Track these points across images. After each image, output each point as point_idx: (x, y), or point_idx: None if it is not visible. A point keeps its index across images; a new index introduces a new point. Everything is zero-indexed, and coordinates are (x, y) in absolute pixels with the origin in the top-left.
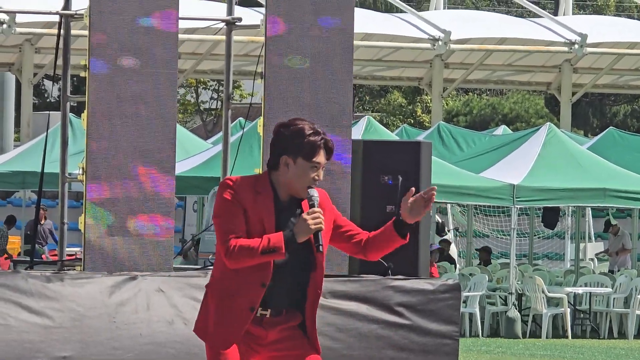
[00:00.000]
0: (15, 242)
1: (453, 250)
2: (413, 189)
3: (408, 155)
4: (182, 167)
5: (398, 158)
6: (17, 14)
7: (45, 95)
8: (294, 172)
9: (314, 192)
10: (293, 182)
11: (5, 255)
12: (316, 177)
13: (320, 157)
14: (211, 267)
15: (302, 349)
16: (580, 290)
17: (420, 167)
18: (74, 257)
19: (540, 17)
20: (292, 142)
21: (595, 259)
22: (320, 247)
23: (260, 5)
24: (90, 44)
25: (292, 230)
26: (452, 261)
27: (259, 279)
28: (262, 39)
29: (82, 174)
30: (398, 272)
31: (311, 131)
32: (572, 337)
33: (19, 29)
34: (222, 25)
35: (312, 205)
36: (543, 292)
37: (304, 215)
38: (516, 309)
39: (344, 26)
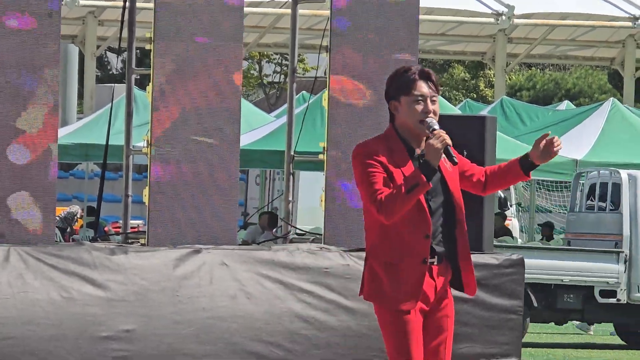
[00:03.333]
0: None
1: (515, 226)
2: (549, 132)
3: (473, 130)
4: (244, 140)
5: (463, 132)
6: None
7: (108, 68)
8: (403, 113)
9: (431, 119)
10: (408, 123)
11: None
12: (426, 110)
13: (420, 88)
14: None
15: (450, 310)
16: None
17: (485, 141)
18: (136, 229)
19: None
20: (392, 86)
21: None
22: (454, 158)
23: None
24: (156, 16)
25: (425, 159)
26: (512, 236)
27: (421, 232)
28: (326, 12)
29: (147, 147)
30: None
31: (404, 69)
32: None
33: (82, 2)
34: None
35: (432, 130)
36: None
37: (428, 141)
38: None
39: (409, 0)
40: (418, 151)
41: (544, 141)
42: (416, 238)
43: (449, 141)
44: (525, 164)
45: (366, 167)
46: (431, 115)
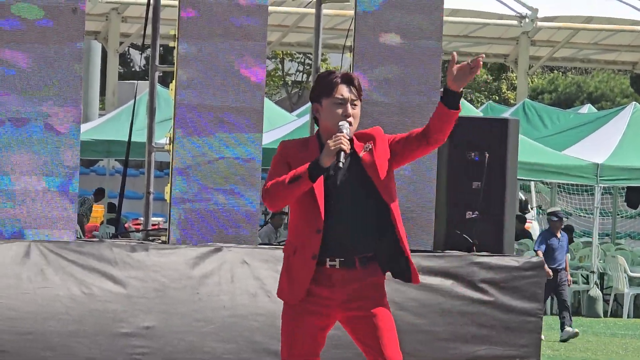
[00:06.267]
0: (98, 211)
1: (535, 228)
2: (454, 53)
3: (495, 132)
4: (266, 139)
5: (485, 134)
6: None
7: (131, 65)
8: (324, 115)
9: (343, 123)
10: (328, 126)
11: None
12: (345, 113)
13: (342, 91)
14: None
15: (372, 308)
16: None
17: (507, 144)
18: (156, 226)
19: None
20: (315, 89)
21: None
22: (340, 163)
23: None
24: (180, 14)
25: (317, 158)
26: (532, 239)
27: (313, 226)
28: (349, 12)
29: (169, 144)
30: (483, 249)
31: (328, 72)
32: None
33: None
34: None
35: (338, 132)
36: (625, 271)
37: (327, 141)
38: (598, 287)
39: (433, 2)
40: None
41: (456, 66)
42: (307, 232)
43: (345, 147)
44: (447, 99)
45: (274, 164)
46: (350, 119)
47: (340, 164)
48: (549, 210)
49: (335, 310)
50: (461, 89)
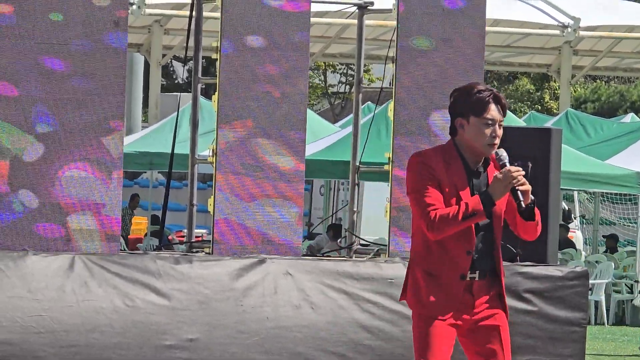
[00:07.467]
0: (141, 223)
1: (579, 238)
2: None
3: (538, 142)
4: (309, 150)
5: (528, 144)
6: None
7: (174, 77)
8: (470, 132)
9: (503, 152)
10: (472, 143)
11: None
12: (494, 134)
13: (492, 112)
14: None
15: (499, 320)
16: None
17: (550, 154)
18: (200, 239)
19: None
20: (462, 102)
21: None
22: (522, 202)
23: None
24: (222, 26)
25: (487, 191)
26: (575, 248)
27: (464, 248)
28: (392, 23)
29: (212, 156)
30: (526, 259)
31: (479, 88)
32: None
33: (148, 10)
34: (353, 9)
35: (503, 165)
36: None
37: (497, 175)
38: None
39: (475, 12)
40: (473, 162)
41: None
42: (458, 253)
43: (520, 183)
44: (522, 214)
45: (421, 178)
46: (497, 140)
47: (522, 203)
48: None
49: (466, 317)
50: (529, 201)
